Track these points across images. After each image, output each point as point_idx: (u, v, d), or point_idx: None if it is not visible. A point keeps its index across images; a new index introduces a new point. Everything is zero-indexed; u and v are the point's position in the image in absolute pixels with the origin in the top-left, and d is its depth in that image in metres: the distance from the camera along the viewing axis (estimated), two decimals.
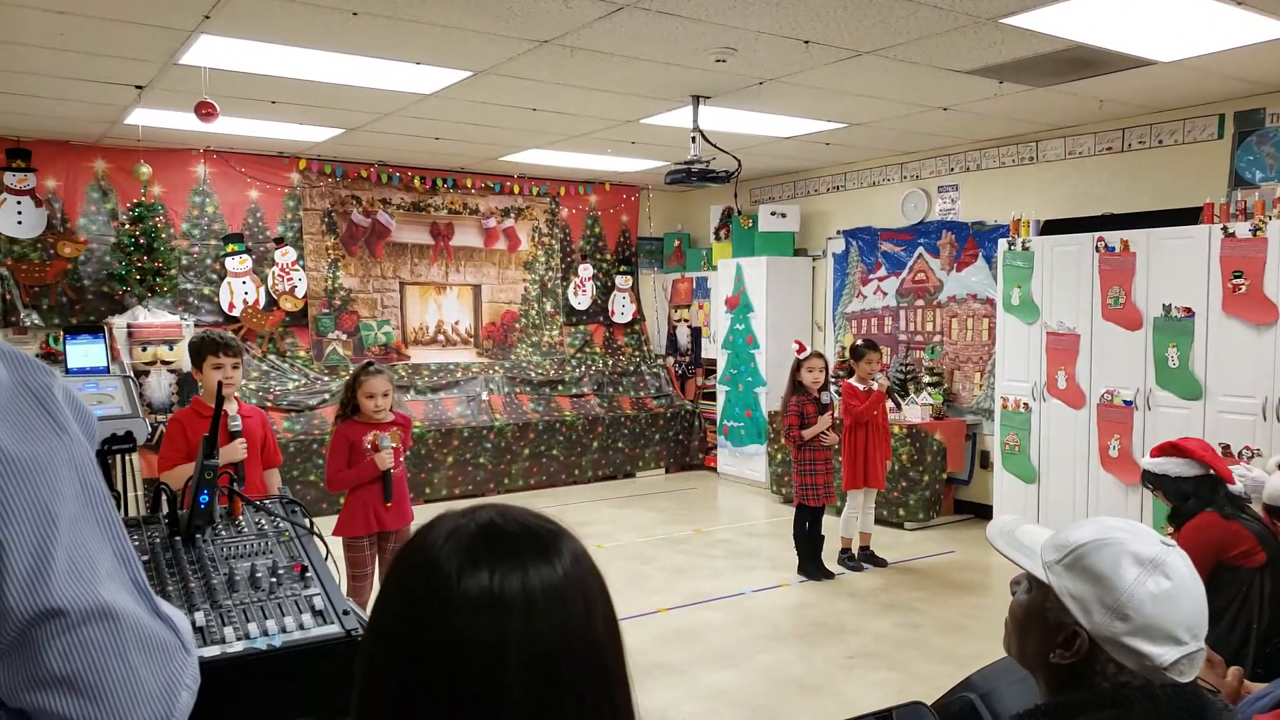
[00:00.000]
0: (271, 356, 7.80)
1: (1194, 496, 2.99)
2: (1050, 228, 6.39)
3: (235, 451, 3.50)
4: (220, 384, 2.20)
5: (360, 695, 0.79)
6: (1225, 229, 5.30)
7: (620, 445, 8.97)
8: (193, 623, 1.46)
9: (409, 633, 0.77)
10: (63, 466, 0.84)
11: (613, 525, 7.17)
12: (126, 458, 4.46)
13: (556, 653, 0.75)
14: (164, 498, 1.70)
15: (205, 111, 4.88)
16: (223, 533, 1.73)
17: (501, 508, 0.83)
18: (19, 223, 6.81)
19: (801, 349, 5.81)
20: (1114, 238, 5.83)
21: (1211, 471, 2.98)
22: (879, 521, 6.46)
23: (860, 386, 5.90)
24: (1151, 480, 3.10)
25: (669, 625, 4.96)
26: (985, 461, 7.16)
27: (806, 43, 4.50)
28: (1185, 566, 1.24)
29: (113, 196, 7.19)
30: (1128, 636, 1.21)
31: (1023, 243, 6.35)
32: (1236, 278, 5.24)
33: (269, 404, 7.33)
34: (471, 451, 8.08)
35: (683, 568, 6.05)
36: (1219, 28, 4.29)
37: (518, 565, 0.76)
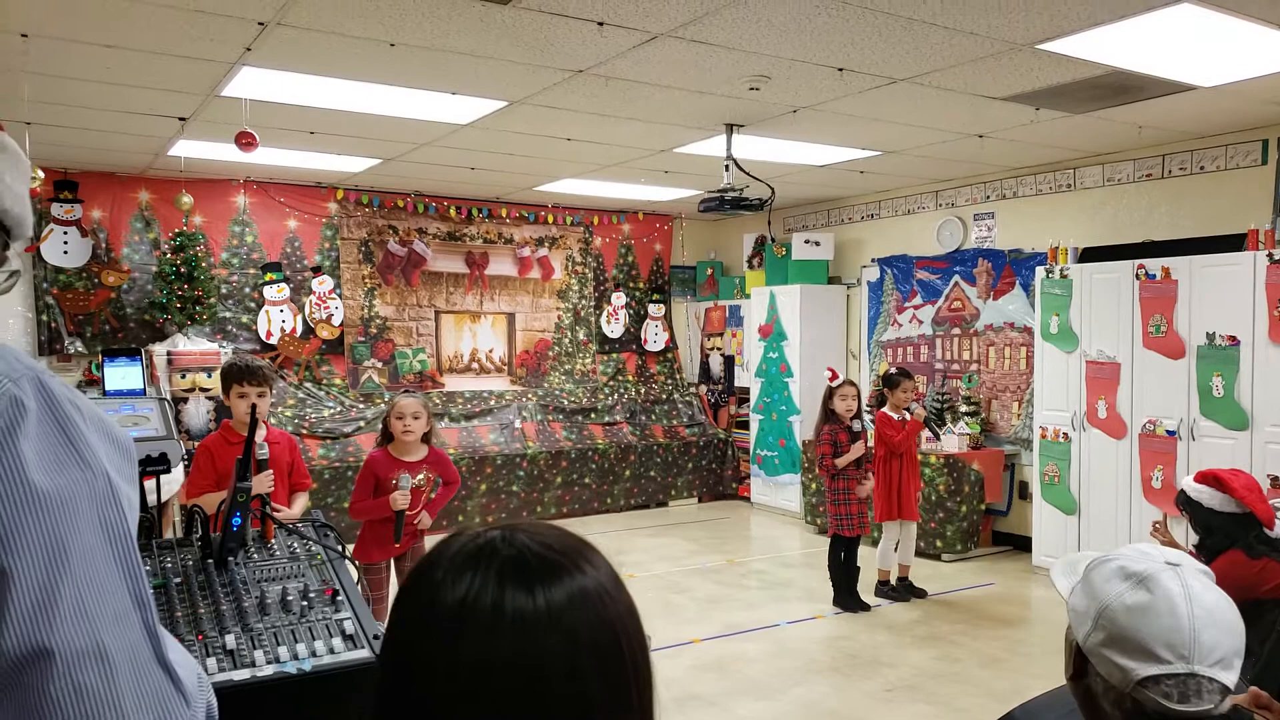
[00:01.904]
0: (308, 384, 7.88)
1: (1218, 532, 2.91)
2: (1089, 255, 6.29)
3: (262, 484, 3.51)
4: (254, 408, 2.22)
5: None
6: (1271, 256, 5.18)
7: (653, 474, 8.93)
8: (223, 645, 1.45)
9: (390, 643, 0.77)
10: (83, 501, 0.82)
11: (646, 554, 7.12)
12: (160, 479, 4.49)
13: (516, 686, 0.71)
14: (197, 520, 1.71)
15: (245, 141, 4.97)
16: (255, 556, 1.73)
17: (520, 528, 0.79)
18: (65, 252, 6.98)
19: (834, 377, 5.75)
20: (1155, 265, 5.72)
21: (1248, 512, 2.89)
22: (916, 553, 6.35)
23: (895, 416, 5.82)
24: (1184, 503, 3.04)
25: (702, 656, 4.89)
26: (1024, 492, 7.02)
27: (840, 70, 4.50)
28: (1178, 586, 1.20)
29: (155, 226, 7.35)
30: (1104, 647, 1.21)
31: (1061, 270, 6.26)
32: None
33: (304, 431, 7.40)
34: (504, 479, 8.08)
35: (716, 598, 5.98)
36: (1262, 52, 4.22)
37: (495, 586, 0.73)
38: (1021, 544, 6.94)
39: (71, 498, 0.81)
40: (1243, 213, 5.71)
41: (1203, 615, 1.19)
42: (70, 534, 0.80)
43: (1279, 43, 4.06)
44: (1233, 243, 5.54)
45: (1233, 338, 5.35)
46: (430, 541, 4.12)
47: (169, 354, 6.92)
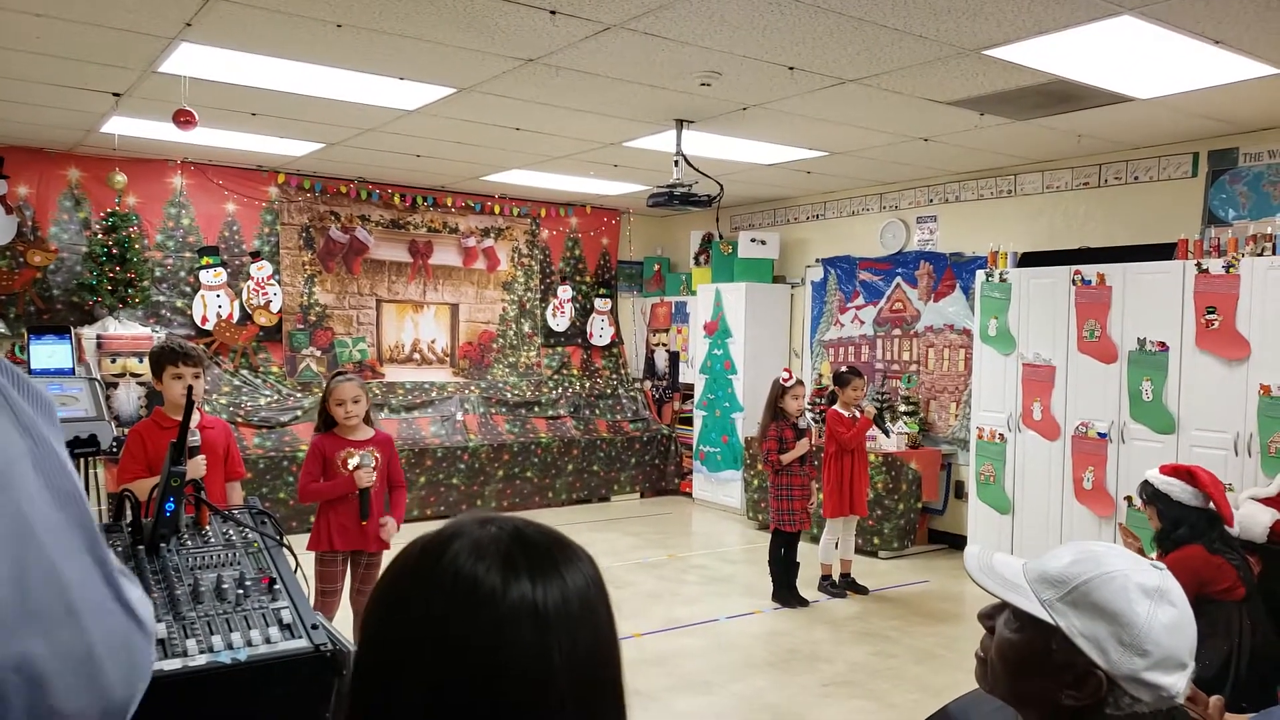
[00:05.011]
0: (244, 371, 7.69)
1: (1186, 525, 2.96)
2: (1027, 260, 6.45)
3: (197, 468, 3.40)
4: (190, 390, 2.14)
5: (362, 711, 0.76)
6: (1199, 265, 5.36)
7: (595, 468, 8.91)
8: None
9: (446, 648, 0.75)
10: (30, 470, 0.80)
11: (587, 549, 7.08)
12: (90, 462, 4.35)
13: (595, 659, 0.77)
14: (128, 505, 1.64)
15: (183, 119, 4.81)
16: (188, 543, 1.67)
17: (515, 517, 0.83)
18: None
19: (789, 377, 5.81)
20: (1090, 271, 5.88)
21: (1212, 507, 2.95)
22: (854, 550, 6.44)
23: (845, 413, 5.90)
24: (1150, 494, 3.06)
25: (643, 651, 4.88)
26: (960, 491, 7.17)
27: (791, 69, 4.53)
28: (1179, 588, 1.22)
29: (86, 205, 7.09)
30: (1148, 671, 1.16)
31: (1000, 274, 6.39)
32: (1210, 313, 5.29)
33: (240, 419, 7.21)
34: (445, 472, 7.98)
35: (657, 593, 5.99)
36: (1196, 66, 4.36)
37: (555, 575, 0.78)
38: (956, 542, 7.09)
39: (22, 470, 0.79)
40: (1174, 223, 5.90)
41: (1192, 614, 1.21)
42: (28, 506, 0.79)
43: (1212, 57, 4.20)
44: (1164, 252, 5.72)
45: (1162, 344, 5.52)
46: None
47: (99, 337, 6.68)
